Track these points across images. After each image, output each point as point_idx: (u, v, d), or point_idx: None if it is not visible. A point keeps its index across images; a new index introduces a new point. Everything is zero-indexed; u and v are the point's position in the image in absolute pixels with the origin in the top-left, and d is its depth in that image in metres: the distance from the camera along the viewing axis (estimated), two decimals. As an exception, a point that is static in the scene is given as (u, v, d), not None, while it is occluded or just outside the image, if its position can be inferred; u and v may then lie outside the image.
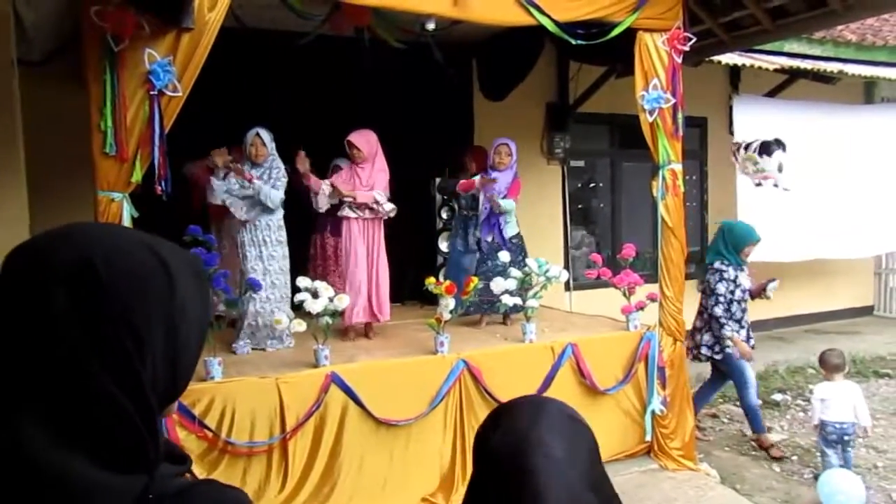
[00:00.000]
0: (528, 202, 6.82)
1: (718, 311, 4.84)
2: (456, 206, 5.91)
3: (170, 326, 0.72)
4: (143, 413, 0.69)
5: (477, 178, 5.22)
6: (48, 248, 0.71)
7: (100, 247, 0.71)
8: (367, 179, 4.74)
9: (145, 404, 0.69)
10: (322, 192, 4.72)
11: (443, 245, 6.39)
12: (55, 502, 0.63)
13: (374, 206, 4.73)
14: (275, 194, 4.43)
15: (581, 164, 7.82)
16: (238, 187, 4.42)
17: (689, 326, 4.97)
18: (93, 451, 0.66)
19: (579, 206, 7.83)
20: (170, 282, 0.73)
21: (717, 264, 4.93)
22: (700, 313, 5.09)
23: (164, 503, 0.69)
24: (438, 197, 6.44)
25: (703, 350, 5.00)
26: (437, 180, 6.22)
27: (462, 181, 5.41)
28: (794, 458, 4.88)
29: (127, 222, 3.35)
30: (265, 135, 4.50)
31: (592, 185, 8.06)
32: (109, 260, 0.70)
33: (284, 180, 4.53)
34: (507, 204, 5.13)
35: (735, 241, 4.94)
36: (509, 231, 5.24)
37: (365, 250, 4.76)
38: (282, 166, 4.55)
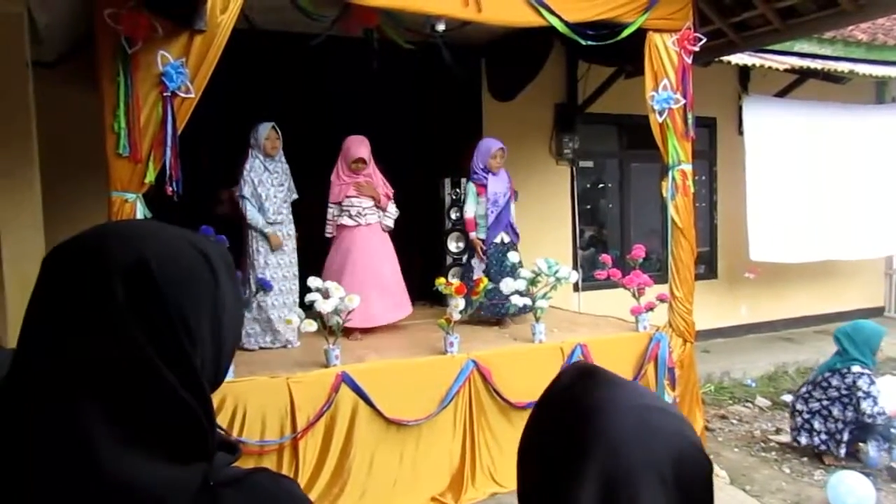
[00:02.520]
0: (537, 202, 6.83)
1: (878, 409, 4.48)
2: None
3: (214, 316, 0.76)
4: (202, 402, 0.71)
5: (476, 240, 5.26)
6: (102, 246, 0.72)
7: (152, 245, 0.73)
8: (377, 185, 4.84)
9: (203, 394, 0.72)
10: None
11: (451, 246, 6.40)
12: None
13: (388, 214, 4.92)
14: (255, 217, 4.50)
15: (590, 164, 7.80)
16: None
17: (699, 327, 4.96)
18: (158, 446, 0.68)
19: (588, 207, 7.83)
20: (213, 274, 0.76)
21: (856, 368, 4.58)
22: (816, 412, 4.74)
23: (224, 490, 0.71)
24: (447, 198, 6.45)
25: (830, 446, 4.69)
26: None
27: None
28: (805, 459, 4.87)
29: (140, 223, 3.38)
30: (277, 129, 4.59)
31: (601, 185, 8.05)
32: (161, 257, 0.72)
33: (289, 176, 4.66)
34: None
35: (869, 341, 4.66)
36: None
37: (366, 255, 4.81)
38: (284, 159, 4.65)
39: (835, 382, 4.64)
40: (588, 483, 0.72)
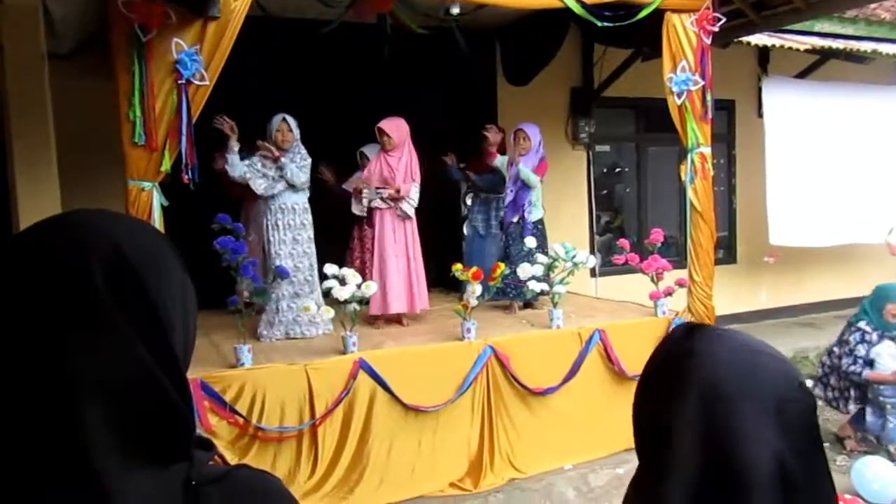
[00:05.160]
0: (553, 188, 6.76)
1: (854, 368, 4.46)
2: (472, 193, 5.92)
3: (184, 303, 0.73)
4: (185, 397, 0.68)
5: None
6: (76, 239, 0.69)
7: (125, 234, 0.71)
8: (397, 165, 4.78)
9: (185, 388, 0.69)
10: (363, 194, 4.85)
11: (467, 231, 6.37)
12: None
13: (407, 199, 4.80)
14: (298, 173, 4.46)
15: (606, 148, 7.74)
16: (260, 165, 4.43)
17: (717, 313, 4.90)
18: (144, 448, 0.65)
19: (605, 192, 7.76)
20: (178, 260, 0.75)
21: (861, 323, 4.52)
22: (824, 364, 4.78)
23: (207, 489, 0.69)
24: (462, 184, 6.41)
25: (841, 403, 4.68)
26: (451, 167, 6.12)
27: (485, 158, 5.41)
28: (827, 444, 4.82)
29: (157, 211, 3.39)
30: (291, 120, 4.53)
31: (618, 170, 7.98)
32: (135, 246, 0.70)
33: (308, 162, 4.56)
34: (528, 174, 5.10)
35: (878, 299, 4.51)
36: (534, 215, 5.23)
37: (394, 240, 4.79)
38: (305, 151, 4.58)
39: (846, 336, 4.64)
40: (686, 406, 0.79)
